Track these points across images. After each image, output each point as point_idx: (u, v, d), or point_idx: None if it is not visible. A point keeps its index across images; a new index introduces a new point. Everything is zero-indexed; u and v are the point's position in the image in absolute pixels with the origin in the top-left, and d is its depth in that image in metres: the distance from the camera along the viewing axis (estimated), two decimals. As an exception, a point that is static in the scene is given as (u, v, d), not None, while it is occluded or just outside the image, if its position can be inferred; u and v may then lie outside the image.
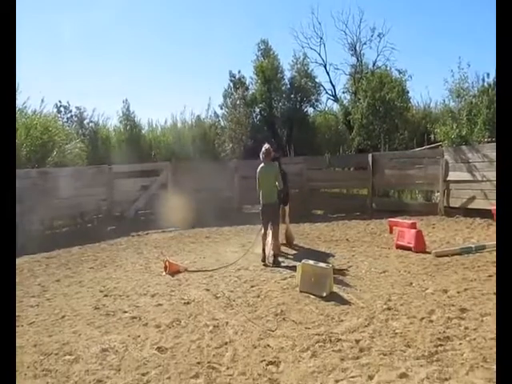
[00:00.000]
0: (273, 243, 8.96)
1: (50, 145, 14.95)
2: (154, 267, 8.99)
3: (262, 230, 8.96)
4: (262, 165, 8.91)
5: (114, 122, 22.84)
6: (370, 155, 15.53)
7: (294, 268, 7.96)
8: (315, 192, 15.70)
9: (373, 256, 9.09)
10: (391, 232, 10.54)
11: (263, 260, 8.82)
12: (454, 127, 14.36)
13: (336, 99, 27.16)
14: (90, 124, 21.55)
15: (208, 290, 7.33)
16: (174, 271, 8.40)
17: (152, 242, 11.78)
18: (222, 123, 23.98)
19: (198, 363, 4.76)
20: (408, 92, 21.76)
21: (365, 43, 26.54)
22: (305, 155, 17.02)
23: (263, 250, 8.90)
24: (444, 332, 5.16)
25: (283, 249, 9.81)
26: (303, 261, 7.39)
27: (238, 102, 23.69)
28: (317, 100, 25.96)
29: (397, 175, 14.74)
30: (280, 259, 8.94)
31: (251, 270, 8.46)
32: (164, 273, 8.40)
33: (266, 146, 9.01)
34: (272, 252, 8.94)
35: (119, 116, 21.89)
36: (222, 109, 24.57)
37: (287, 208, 10.29)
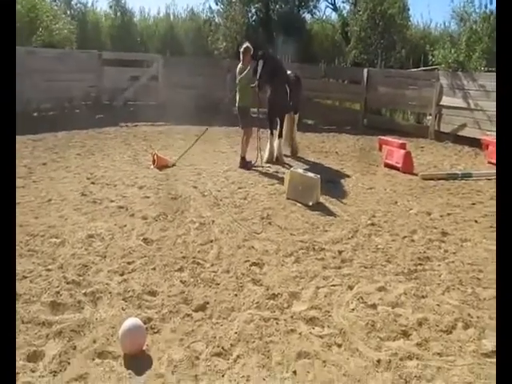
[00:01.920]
0: (242, 145, 8.83)
1: (37, 23, 14.06)
2: (142, 160, 8.83)
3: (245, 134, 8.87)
4: (239, 65, 8.61)
5: (104, 5, 21.70)
6: (365, 70, 15.05)
7: (281, 175, 7.90)
8: (308, 101, 15.31)
9: (360, 171, 9.02)
10: (380, 150, 10.45)
11: (242, 163, 8.75)
12: (452, 52, 13.87)
13: (335, 8, 25.91)
14: (78, 5, 20.42)
15: (195, 187, 7.26)
16: (162, 165, 8.25)
17: (141, 134, 11.51)
18: (217, 20, 22.91)
19: (183, 257, 4.74)
20: (409, 9, 20.84)
21: None
22: (300, 63, 16.40)
23: (241, 154, 8.87)
24: (424, 252, 5.21)
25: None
26: (292, 168, 7.31)
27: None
28: (315, 7, 24.69)
29: (390, 94, 14.39)
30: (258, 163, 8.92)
31: (239, 172, 8.38)
32: (152, 166, 8.25)
33: (245, 44, 8.63)
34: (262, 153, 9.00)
35: (109, 0, 20.67)
36: (217, 4, 23.33)
37: (296, 117, 10.10)
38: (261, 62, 8.39)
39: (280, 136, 9.36)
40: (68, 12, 19.19)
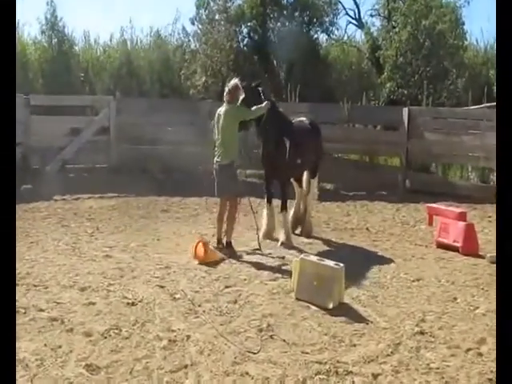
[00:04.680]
0: (227, 224, 9.04)
1: None
2: (86, 248, 8.94)
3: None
4: (222, 107, 8.95)
5: (34, 31, 22.42)
6: (405, 110, 15.49)
7: (287, 265, 8.00)
8: (324, 157, 15.65)
9: (403, 256, 9.13)
10: (430, 223, 10.55)
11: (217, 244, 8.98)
12: (528, 79, 14.35)
13: (360, 24, 26.82)
14: (-1, 32, 21.16)
15: (162, 286, 7.32)
16: (211, 260, 8.42)
17: (84, 212, 11.71)
18: (193, 45, 23.68)
19: (145, 393, 4.77)
20: (463, 24, 21.64)
21: None
22: (312, 101, 16.87)
23: (218, 236, 9.10)
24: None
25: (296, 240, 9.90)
26: (302, 255, 7.40)
27: (217, 17, 23.32)
28: (332, 23, 25.55)
29: (442, 142, 14.75)
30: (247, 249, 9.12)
31: (227, 263, 8.48)
32: (194, 260, 8.44)
33: (234, 81, 9.03)
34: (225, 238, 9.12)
35: (41, 24, 21.47)
36: (193, 24, 24.16)
37: (315, 181, 10.43)
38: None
39: (284, 209, 9.57)
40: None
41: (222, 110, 8.94)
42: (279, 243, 9.55)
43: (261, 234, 9.57)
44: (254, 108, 8.93)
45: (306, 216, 10.35)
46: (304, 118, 10.37)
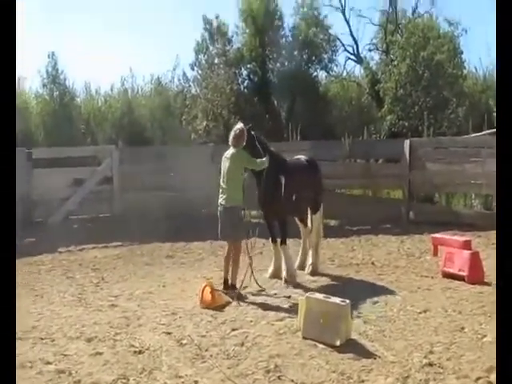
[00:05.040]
0: (232, 267, 9.09)
1: None
2: (92, 298, 8.98)
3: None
4: (229, 151, 9.11)
5: (36, 84, 22.70)
6: (406, 142, 15.60)
7: (294, 305, 7.99)
8: (327, 193, 15.66)
9: (409, 288, 9.13)
10: (435, 254, 10.58)
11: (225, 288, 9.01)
12: (528, 103, 14.45)
13: (359, 60, 27.14)
14: (0, 87, 21.46)
15: (169, 333, 7.32)
16: (218, 304, 8.41)
17: (89, 262, 11.75)
18: (194, 90, 23.95)
19: None
20: (462, 53, 21.87)
21: (401, -21, 26.55)
22: (313, 139, 17.01)
23: (224, 276, 9.18)
24: (508, 399, 5.19)
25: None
26: (308, 294, 7.42)
27: (216, 61, 23.69)
28: (331, 60, 25.99)
29: (444, 171, 14.82)
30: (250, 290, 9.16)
31: (233, 306, 8.47)
32: (201, 305, 8.41)
33: (239, 125, 9.18)
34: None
35: (42, 77, 21.80)
36: (193, 69, 24.51)
37: (318, 218, 10.46)
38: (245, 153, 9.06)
39: (283, 242, 9.66)
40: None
41: (228, 153, 9.09)
42: (283, 280, 9.62)
43: (268, 273, 9.70)
44: (258, 160, 9.11)
45: (312, 254, 10.39)
46: (301, 156, 10.52)
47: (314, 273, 10.23)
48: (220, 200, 9.02)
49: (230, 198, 8.89)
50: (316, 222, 10.42)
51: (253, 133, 9.45)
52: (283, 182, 9.54)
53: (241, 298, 8.78)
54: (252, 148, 9.22)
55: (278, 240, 9.71)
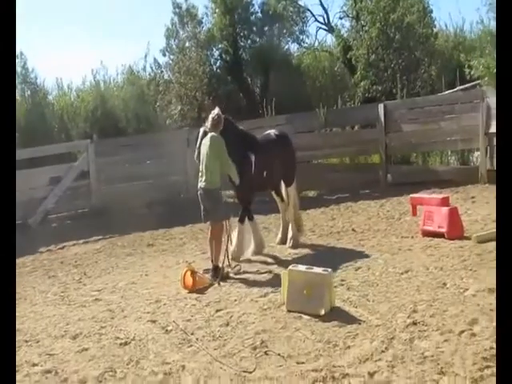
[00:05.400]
0: (214, 247, 9.14)
1: None
2: (75, 295, 8.95)
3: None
4: (206, 135, 9.14)
5: (6, 86, 22.48)
6: (380, 106, 15.58)
7: (276, 279, 8.01)
8: (305, 165, 15.69)
9: (390, 250, 9.18)
10: (414, 214, 10.59)
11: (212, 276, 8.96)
12: (498, 56, 14.44)
13: (330, 28, 27.02)
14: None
15: (154, 321, 7.30)
16: (200, 287, 8.44)
17: (70, 259, 11.71)
18: (166, 76, 23.83)
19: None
20: (432, 11, 21.84)
21: None
22: (289, 112, 16.94)
23: (211, 254, 9.18)
24: (491, 348, 5.20)
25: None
26: (290, 266, 7.41)
27: (187, 44, 23.58)
28: (302, 32, 25.96)
29: (420, 131, 14.85)
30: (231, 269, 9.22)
31: (215, 288, 8.48)
32: (184, 289, 8.43)
33: (216, 111, 9.25)
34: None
35: (13, 76, 21.59)
36: (164, 55, 24.35)
37: (292, 189, 10.43)
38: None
39: (250, 218, 9.89)
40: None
41: (205, 138, 9.09)
42: (251, 253, 9.83)
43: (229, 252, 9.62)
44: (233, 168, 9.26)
45: (291, 227, 10.40)
46: (272, 131, 10.47)
47: (295, 246, 10.26)
48: (199, 183, 9.04)
49: (210, 179, 8.92)
50: (292, 195, 10.41)
51: (229, 118, 9.54)
52: (253, 159, 9.60)
53: (226, 277, 8.82)
54: (226, 133, 9.21)
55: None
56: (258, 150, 9.73)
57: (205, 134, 9.14)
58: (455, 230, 9.20)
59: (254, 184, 9.79)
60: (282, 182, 10.46)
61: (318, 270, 7.07)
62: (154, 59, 24.05)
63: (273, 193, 10.67)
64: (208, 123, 9.16)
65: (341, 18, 26.83)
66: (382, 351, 5.54)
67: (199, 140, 9.24)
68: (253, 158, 9.58)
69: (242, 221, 9.81)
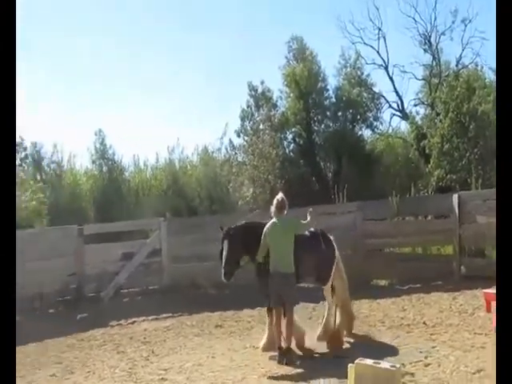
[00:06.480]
0: (286, 331, 9.10)
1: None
2: (142, 373, 9.02)
3: (269, 316, 9.49)
4: (274, 220, 9.28)
5: (85, 161, 23.26)
6: (455, 196, 15.39)
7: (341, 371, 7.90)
8: (376, 253, 15.62)
9: (462, 347, 8.95)
10: (489, 309, 10.32)
11: (280, 358, 8.93)
12: None
13: (404, 116, 27.18)
14: (52, 165, 21.95)
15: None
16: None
17: (139, 336, 11.81)
18: (240, 157, 24.23)
19: None
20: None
21: (443, 33, 26.66)
22: (360, 199, 16.98)
23: (278, 343, 9.12)
24: None
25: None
26: (358, 360, 7.32)
27: (261, 126, 24.02)
28: (376, 118, 26.17)
29: (495, 224, 14.60)
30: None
31: (282, 376, 8.39)
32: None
33: (280, 196, 9.51)
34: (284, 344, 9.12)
35: (91, 153, 22.36)
36: (239, 136, 24.86)
37: (328, 287, 10.19)
38: (225, 244, 9.29)
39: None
40: (38, 176, 20.76)
41: (273, 222, 9.26)
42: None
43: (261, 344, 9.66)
44: (304, 222, 9.44)
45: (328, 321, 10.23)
46: (312, 229, 10.28)
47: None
48: (275, 268, 9.09)
49: (286, 264, 9.06)
50: (327, 291, 10.21)
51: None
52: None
53: (297, 360, 8.90)
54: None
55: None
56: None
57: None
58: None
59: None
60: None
61: (386, 364, 6.96)
62: (230, 140, 24.55)
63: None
64: (273, 207, 9.36)
65: (415, 105, 27.08)
66: None
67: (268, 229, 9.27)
68: None
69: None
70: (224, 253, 9.21)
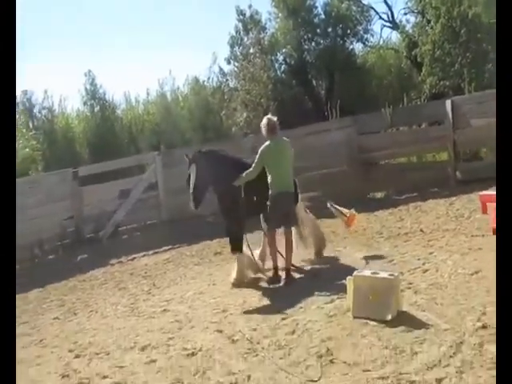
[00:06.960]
0: (286, 253, 9.16)
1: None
2: (144, 307, 9.08)
3: (265, 236, 9.60)
4: (269, 142, 9.10)
5: (77, 103, 23.06)
6: (448, 102, 15.23)
7: (342, 285, 7.92)
8: (372, 166, 15.54)
9: (459, 251, 8.96)
10: (485, 211, 10.26)
11: (274, 277, 9.11)
12: None
13: (395, 25, 26.65)
14: (43, 111, 21.79)
15: (220, 331, 7.34)
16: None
17: (140, 271, 11.92)
18: (231, 83, 23.98)
19: None
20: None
21: None
22: (354, 114, 16.81)
23: (274, 265, 9.22)
24: None
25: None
26: (356, 272, 7.32)
27: (251, 50, 23.63)
28: (366, 31, 25.66)
29: (490, 125, 14.41)
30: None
31: (282, 293, 8.49)
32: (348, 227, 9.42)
33: (268, 117, 9.36)
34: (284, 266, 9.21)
35: (82, 95, 22.13)
36: (229, 63, 24.52)
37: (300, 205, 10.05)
38: (193, 168, 9.01)
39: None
40: (30, 124, 20.63)
41: (269, 143, 9.08)
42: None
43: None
44: None
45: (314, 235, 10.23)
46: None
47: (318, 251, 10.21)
48: (278, 188, 8.95)
49: (289, 184, 9.05)
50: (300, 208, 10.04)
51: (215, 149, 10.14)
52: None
53: (295, 282, 8.96)
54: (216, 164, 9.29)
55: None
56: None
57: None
58: (528, 227, 8.91)
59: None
60: None
61: (383, 274, 6.96)
62: (220, 68, 24.25)
63: None
64: (264, 130, 9.17)
65: (405, 14, 26.42)
66: (450, 357, 5.41)
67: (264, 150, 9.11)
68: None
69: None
70: (192, 179, 8.95)
